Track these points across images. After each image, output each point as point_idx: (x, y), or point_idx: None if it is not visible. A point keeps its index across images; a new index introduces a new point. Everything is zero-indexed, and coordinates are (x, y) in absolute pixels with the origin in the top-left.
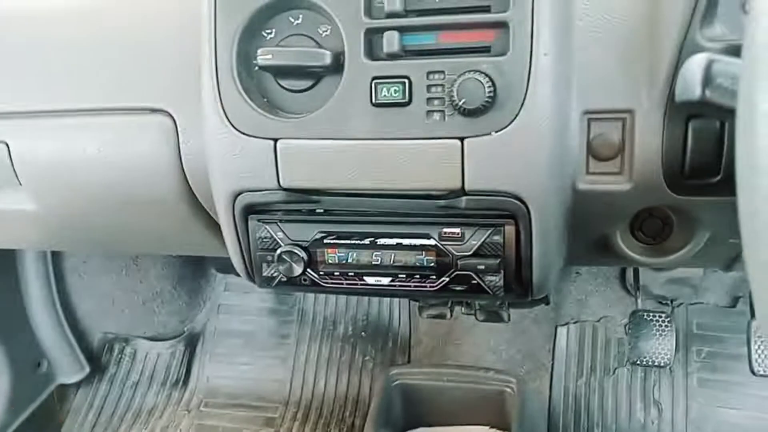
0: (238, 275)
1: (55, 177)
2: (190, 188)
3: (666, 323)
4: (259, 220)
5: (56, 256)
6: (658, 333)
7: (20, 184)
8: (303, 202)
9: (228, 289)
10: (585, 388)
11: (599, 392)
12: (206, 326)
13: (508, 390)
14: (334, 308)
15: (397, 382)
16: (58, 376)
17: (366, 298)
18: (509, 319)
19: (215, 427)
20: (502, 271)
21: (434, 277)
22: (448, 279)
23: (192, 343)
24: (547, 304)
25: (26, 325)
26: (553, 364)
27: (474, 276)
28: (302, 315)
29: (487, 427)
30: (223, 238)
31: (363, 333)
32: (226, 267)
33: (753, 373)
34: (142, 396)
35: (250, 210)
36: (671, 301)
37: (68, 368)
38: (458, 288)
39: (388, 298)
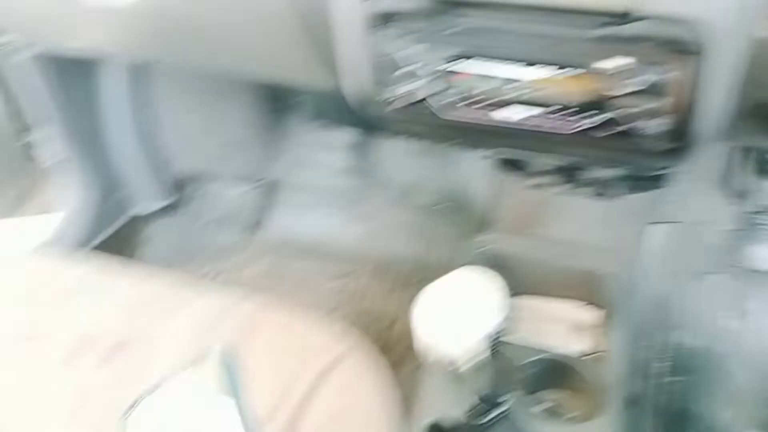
0: (325, 122)
1: None
2: None
3: None
4: (387, 32)
5: (136, 83)
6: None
7: None
8: (446, 14)
9: (308, 144)
10: (671, 289)
11: (685, 295)
12: (283, 178)
13: (607, 269)
14: (415, 177)
15: (485, 248)
16: (133, 205)
17: (449, 170)
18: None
19: (287, 274)
20: (659, 117)
21: (576, 116)
22: (592, 121)
23: (267, 192)
24: None
25: (104, 150)
26: (640, 261)
27: (624, 119)
28: (381, 179)
29: (583, 303)
30: (331, 62)
31: (444, 204)
32: (314, 112)
33: None
34: (213, 236)
35: (380, 19)
36: None
37: (144, 199)
38: (601, 133)
39: (472, 171)
